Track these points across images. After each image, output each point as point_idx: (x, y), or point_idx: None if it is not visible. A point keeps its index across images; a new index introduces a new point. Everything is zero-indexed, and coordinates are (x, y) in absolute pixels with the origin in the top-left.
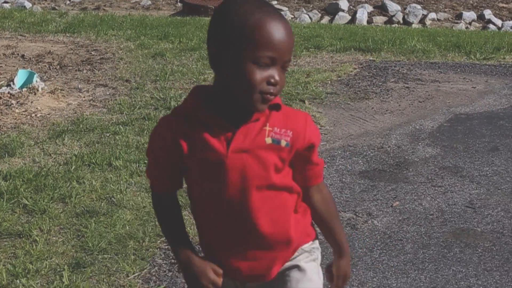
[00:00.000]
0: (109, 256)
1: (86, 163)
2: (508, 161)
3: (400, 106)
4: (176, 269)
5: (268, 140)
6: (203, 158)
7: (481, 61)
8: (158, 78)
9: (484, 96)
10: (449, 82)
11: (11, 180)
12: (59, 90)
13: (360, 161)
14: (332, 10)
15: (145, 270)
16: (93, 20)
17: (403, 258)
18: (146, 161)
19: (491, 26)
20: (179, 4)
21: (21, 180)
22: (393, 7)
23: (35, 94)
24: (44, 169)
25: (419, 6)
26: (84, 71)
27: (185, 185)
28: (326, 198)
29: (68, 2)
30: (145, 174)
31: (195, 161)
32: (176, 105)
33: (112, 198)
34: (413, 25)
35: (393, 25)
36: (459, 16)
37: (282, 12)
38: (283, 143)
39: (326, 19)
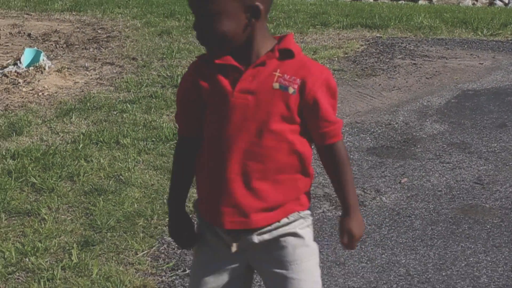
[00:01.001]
0: (117, 234)
1: (94, 141)
2: None
3: (408, 83)
4: None
5: (276, 86)
6: (214, 97)
7: (488, 37)
8: (164, 56)
9: (491, 72)
10: (456, 59)
11: (19, 159)
12: (66, 69)
13: (368, 138)
14: None
15: (154, 248)
16: None
17: (412, 235)
18: (154, 139)
19: (497, 2)
20: None
21: (29, 158)
22: None
23: (42, 72)
24: (52, 147)
25: None
26: (91, 50)
27: None
28: (338, 161)
29: None
30: (174, 119)
31: (209, 101)
32: None
33: (120, 176)
34: (420, 2)
35: (400, 2)
36: None
37: None
38: (291, 90)
39: None
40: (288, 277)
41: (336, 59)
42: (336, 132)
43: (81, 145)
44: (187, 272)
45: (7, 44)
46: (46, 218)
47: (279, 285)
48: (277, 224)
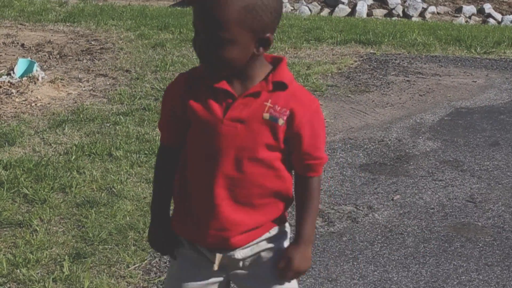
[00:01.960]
0: (109, 246)
1: (87, 153)
2: (508, 156)
3: (401, 100)
4: None
5: (266, 116)
6: (202, 119)
7: (481, 55)
8: (158, 69)
9: (484, 90)
10: (450, 76)
11: (11, 170)
12: (59, 80)
13: (361, 154)
14: (332, 2)
15: (146, 261)
16: (93, 10)
17: (404, 252)
18: (146, 151)
19: (491, 20)
20: None
21: (21, 169)
22: (393, 0)
23: (35, 83)
24: (45, 158)
25: (419, 0)
26: (84, 61)
27: None
28: (309, 194)
29: None
30: (157, 125)
31: (195, 121)
32: None
33: (113, 189)
34: (413, 18)
35: (394, 18)
36: (459, 10)
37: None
38: (281, 121)
39: (326, 11)
40: None
41: (330, 74)
42: (317, 168)
43: (73, 157)
44: None
45: (0, 54)
46: (38, 229)
47: None
48: (259, 239)
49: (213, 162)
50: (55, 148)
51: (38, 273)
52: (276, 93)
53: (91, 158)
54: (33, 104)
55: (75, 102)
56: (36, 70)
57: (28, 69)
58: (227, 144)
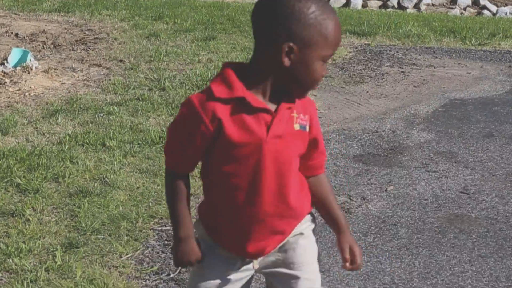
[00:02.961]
0: (102, 236)
1: (80, 143)
2: (502, 147)
3: (395, 91)
4: (169, 250)
5: (297, 127)
6: (241, 141)
7: (476, 46)
8: (152, 59)
9: (479, 82)
10: (444, 67)
11: (4, 159)
12: (53, 70)
13: (355, 145)
14: None
15: (138, 251)
16: (87, 0)
17: (397, 243)
18: (140, 141)
19: (486, 12)
20: None
21: (14, 159)
22: None
23: (29, 73)
24: (38, 148)
25: None
26: (78, 51)
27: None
28: (328, 188)
29: None
30: (164, 150)
31: (229, 143)
32: (170, 85)
33: (106, 179)
34: (408, 10)
35: (388, 9)
36: (454, 1)
37: None
38: (307, 128)
39: None
40: (302, 278)
41: None
42: (324, 162)
43: (67, 147)
44: (171, 276)
45: None
46: (31, 219)
47: (293, 286)
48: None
49: (258, 181)
50: (48, 138)
51: (30, 262)
52: (296, 102)
53: (84, 148)
54: (26, 94)
55: (69, 92)
56: (30, 60)
57: (22, 59)
58: (269, 161)
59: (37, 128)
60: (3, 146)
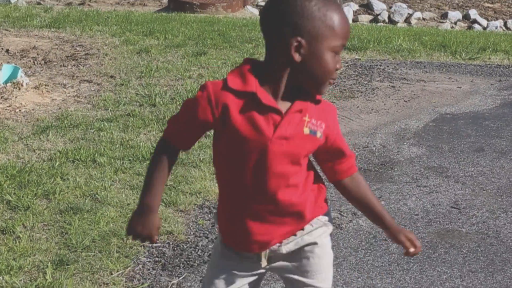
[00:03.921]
0: (92, 253)
1: (70, 159)
2: (493, 162)
3: (386, 106)
4: (160, 267)
5: (306, 131)
6: (250, 137)
7: (466, 61)
8: (143, 75)
9: (469, 96)
10: (435, 82)
11: None
12: (44, 86)
13: None
14: None
15: (129, 268)
16: (78, 16)
17: (388, 259)
18: (130, 158)
19: (476, 26)
20: (165, 0)
21: (4, 176)
22: (379, 6)
23: (19, 89)
24: (28, 165)
25: (404, 5)
26: (69, 67)
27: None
28: (364, 187)
29: None
30: (168, 120)
31: (236, 136)
32: (161, 101)
33: (96, 195)
34: (399, 24)
35: (379, 24)
36: (444, 16)
37: None
38: (318, 134)
39: None
40: (313, 285)
41: None
42: (354, 163)
43: (57, 163)
44: None
45: None
46: (21, 236)
47: None
48: (301, 232)
49: (259, 178)
50: (38, 154)
51: (21, 280)
52: (310, 107)
53: (75, 164)
54: (17, 110)
55: (59, 108)
56: (21, 76)
57: (13, 75)
58: (273, 159)
59: (27, 144)
60: None
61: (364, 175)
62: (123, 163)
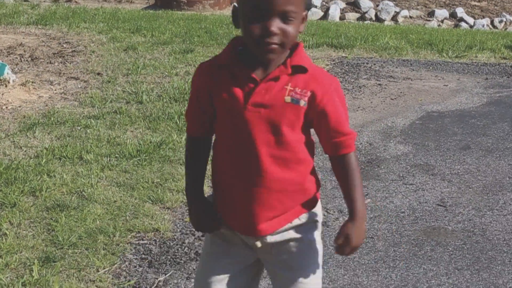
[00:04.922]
0: (79, 250)
1: (57, 156)
2: (479, 160)
3: (372, 103)
4: (146, 264)
5: (287, 99)
6: (227, 106)
7: (453, 59)
8: (130, 72)
9: (456, 94)
10: (421, 80)
11: None
12: (31, 83)
13: None
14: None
15: (115, 265)
16: (65, 13)
17: (374, 256)
18: (117, 155)
19: (463, 24)
20: None
21: None
22: (366, 4)
23: (6, 86)
24: (15, 162)
25: (391, 3)
26: (56, 64)
27: None
28: (348, 171)
29: None
30: (184, 116)
31: (220, 108)
32: (148, 98)
33: (83, 192)
34: (386, 22)
35: (366, 22)
36: (431, 14)
37: None
38: (302, 103)
39: None
40: (295, 281)
41: None
42: (347, 143)
43: (44, 160)
44: None
45: None
46: (8, 233)
47: (286, 287)
48: (289, 225)
49: (244, 149)
50: (25, 151)
51: (7, 277)
52: (296, 76)
53: (61, 161)
54: (3, 107)
55: (46, 105)
56: (7, 73)
57: None
58: (253, 129)
59: (14, 141)
60: None
61: None
62: (109, 160)
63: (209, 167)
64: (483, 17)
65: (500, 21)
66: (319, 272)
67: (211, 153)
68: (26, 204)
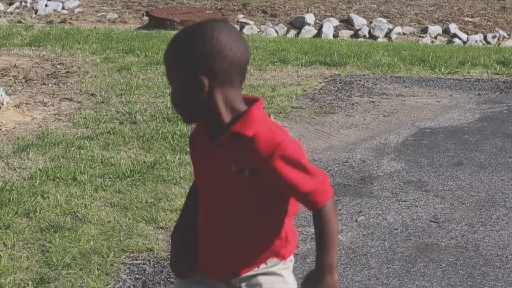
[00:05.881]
0: (73, 271)
1: (51, 177)
2: (472, 176)
3: (365, 121)
4: (140, 284)
5: (233, 168)
6: (194, 165)
7: (445, 75)
8: (123, 92)
9: (448, 111)
10: (414, 96)
11: None
12: (24, 104)
13: None
14: (298, 24)
15: (110, 286)
16: (58, 34)
17: (368, 273)
18: (111, 175)
19: (456, 40)
20: (145, 18)
21: None
22: (359, 21)
23: (0, 108)
24: (9, 183)
25: (384, 20)
26: (50, 85)
27: None
28: (321, 225)
29: (34, 15)
30: None
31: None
32: (141, 119)
33: (77, 213)
34: (379, 39)
35: (359, 39)
36: (424, 30)
37: (248, 26)
38: (246, 172)
39: (292, 33)
40: None
41: (295, 96)
42: (316, 200)
43: (38, 181)
44: None
45: None
46: (2, 255)
47: None
48: (256, 269)
49: (207, 204)
50: (19, 173)
51: None
52: (240, 143)
53: (55, 182)
54: None
55: (40, 127)
56: (1, 95)
57: None
58: (211, 190)
59: (8, 163)
60: None
61: (344, 190)
62: (103, 180)
63: None
64: (476, 32)
65: (494, 37)
66: None
67: None
68: (20, 226)
